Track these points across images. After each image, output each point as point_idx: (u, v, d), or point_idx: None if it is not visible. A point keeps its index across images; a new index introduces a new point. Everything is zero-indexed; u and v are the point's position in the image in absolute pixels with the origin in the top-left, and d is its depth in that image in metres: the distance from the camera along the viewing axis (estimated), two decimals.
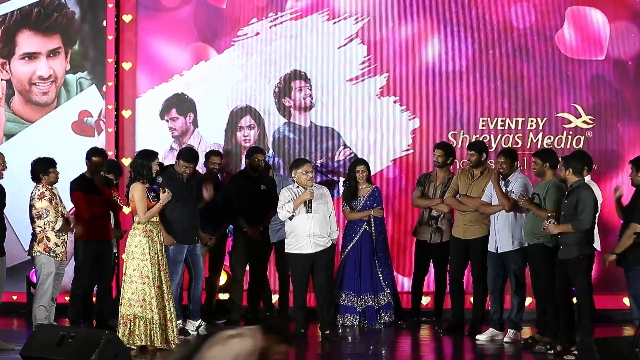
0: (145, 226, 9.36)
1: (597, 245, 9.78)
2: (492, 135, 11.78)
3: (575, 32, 11.78)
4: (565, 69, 11.75)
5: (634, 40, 11.72)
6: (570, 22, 11.76)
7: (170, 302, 9.38)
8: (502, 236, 9.99)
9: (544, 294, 9.50)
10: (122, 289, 9.40)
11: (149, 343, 9.27)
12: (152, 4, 12.15)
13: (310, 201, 9.94)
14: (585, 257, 9.08)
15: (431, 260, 11.04)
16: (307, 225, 10.00)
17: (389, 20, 11.90)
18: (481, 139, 11.55)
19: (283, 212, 9.99)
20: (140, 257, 9.30)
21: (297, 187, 10.06)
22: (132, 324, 9.25)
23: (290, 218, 10.00)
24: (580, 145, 11.60)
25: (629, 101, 11.74)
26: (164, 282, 9.36)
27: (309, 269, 10.10)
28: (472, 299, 10.61)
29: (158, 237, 9.43)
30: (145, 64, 12.18)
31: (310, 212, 9.95)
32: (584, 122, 11.74)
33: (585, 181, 9.57)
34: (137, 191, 9.37)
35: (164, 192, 9.45)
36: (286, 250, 10.21)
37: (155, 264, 9.32)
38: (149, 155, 9.53)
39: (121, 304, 9.32)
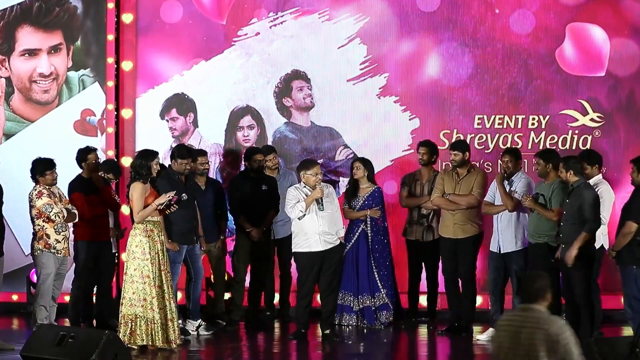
0: (146, 226, 9.37)
1: (605, 243, 9.80)
2: (489, 135, 11.76)
3: (575, 48, 11.74)
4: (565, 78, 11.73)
5: (634, 56, 11.67)
6: (570, 39, 11.72)
7: (171, 301, 9.40)
8: (506, 236, 10.01)
9: None
10: (123, 289, 9.41)
11: (150, 343, 9.28)
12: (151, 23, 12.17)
13: (321, 199, 9.97)
14: (584, 257, 9.09)
15: (423, 259, 11.05)
16: (316, 224, 10.00)
17: (390, 20, 11.89)
18: (477, 138, 11.58)
19: (295, 211, 9.98)
20: (141, 257, 9.31)
21: (305, 186, 10.08)
22: (133, 323, 9.26)
23: (300, 217, 10.01)
24: (588, 146, 11.54)
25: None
26: (164, 281, 9.37)
27: (318, 268, 10.10)
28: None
29: (159, 236, 9.44)
30: (146, 64, 12.17)
31: (322, 210, 9.97)
32: (592, 119, 11.69)
33: (599, 180, 9.65)
34: (136, 190, 9.39)
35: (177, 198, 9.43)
36: (294, 250, 10.20)
37: (156, 263, 9.33)
38: (149, 155, 9.54)
39: (122, 304, 9.33)
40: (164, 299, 9.34)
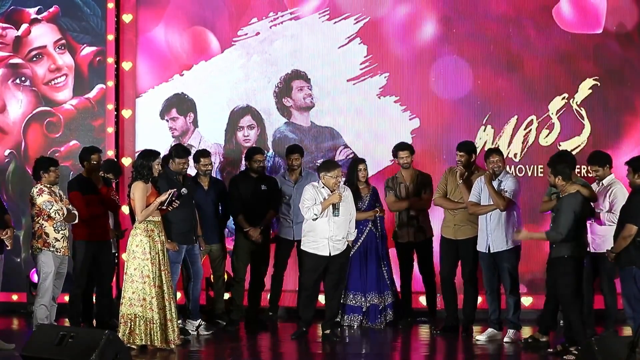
0: (147, 226, 9.37)
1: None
2: (489, 135, 11.77)
3: (572, 6, 11.71)
4: (564, 45, 11.68)
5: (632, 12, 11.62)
6: None
7: (171, 301, 9.39)
8: (496, 236, 10.00)
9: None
10: (122, 289, 9.41)
11: (149, 342, 9.28)
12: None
13: (338, 204, 9.94)
14: (570, 259, 9.08)
15: (415, 260, 11.06)
16: (327, 229, 9.98)
17: (390, 20, 11.90)
18: (480, 139, 11.59)
19: (310, 213, 9.93)
20: (141, 256, 9.31)
21: (323, 187, 10.03)
22: (132, 323, 9.26)
23: (314, 219, 10.00)
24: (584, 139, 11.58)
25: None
26: (164, 281, 9.37)
27: (323, 271, 10.10)
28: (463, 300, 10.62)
29: (159, 236, 9.43)
30: (145, 64, 12.17)
31: (337, 215, 9.93)
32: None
33: (612, 180, 9.62)
34: (138, 190, 9.38)
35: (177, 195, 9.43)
36: (302, 247, 10.19)
37: (156, 263, 9.33)
38: (150, 155, 9.53)
39: (122, 304, 9.33)
40: (163, 299, 9.34)
